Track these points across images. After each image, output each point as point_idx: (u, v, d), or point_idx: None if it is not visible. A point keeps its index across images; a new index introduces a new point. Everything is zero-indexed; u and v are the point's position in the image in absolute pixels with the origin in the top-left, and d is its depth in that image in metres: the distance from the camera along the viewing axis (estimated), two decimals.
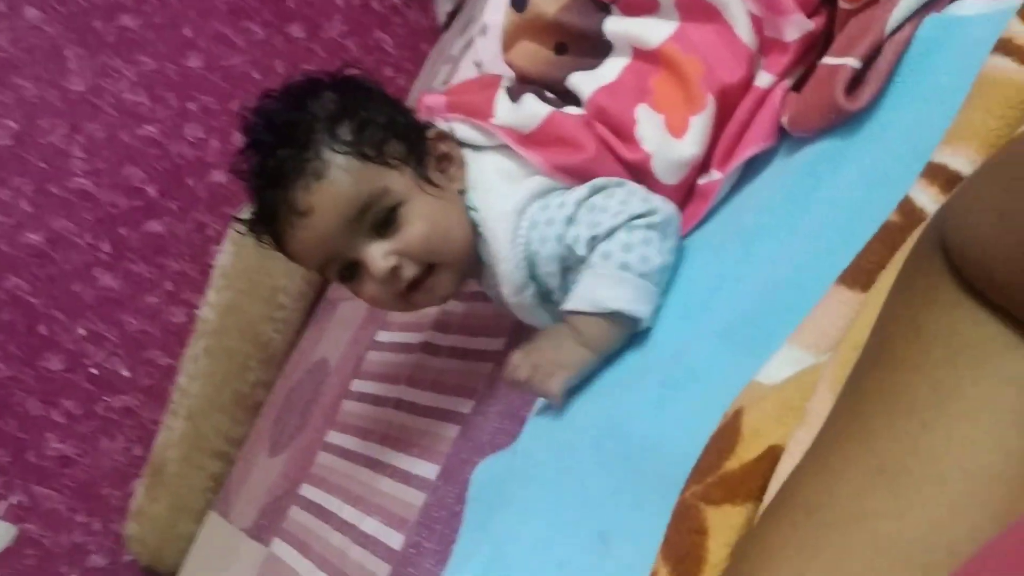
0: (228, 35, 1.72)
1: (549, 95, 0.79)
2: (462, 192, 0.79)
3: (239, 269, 1.59)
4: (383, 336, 1.23)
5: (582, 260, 0.72)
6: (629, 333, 0.70)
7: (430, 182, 0.76)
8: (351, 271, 0.78)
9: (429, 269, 0.77)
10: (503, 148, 0.78)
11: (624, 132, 0.73)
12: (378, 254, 0.74)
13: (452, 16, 1.85)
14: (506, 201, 0.75)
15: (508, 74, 0.85)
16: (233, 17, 1.73)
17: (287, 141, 0.74)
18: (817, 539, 0.32)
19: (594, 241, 0.70)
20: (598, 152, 0.74)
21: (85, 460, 1.65)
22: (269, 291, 1.59)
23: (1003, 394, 0.30)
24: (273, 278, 1.59)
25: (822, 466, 0.34)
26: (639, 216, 0.69)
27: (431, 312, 1.09)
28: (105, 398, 1.66)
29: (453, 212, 0.77)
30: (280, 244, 0.79)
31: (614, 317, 0.69)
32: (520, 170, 0.77)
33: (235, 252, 1.60)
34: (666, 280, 0.71)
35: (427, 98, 0.85)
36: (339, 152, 0.74)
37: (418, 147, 0.77)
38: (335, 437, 1.18)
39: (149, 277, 1.68)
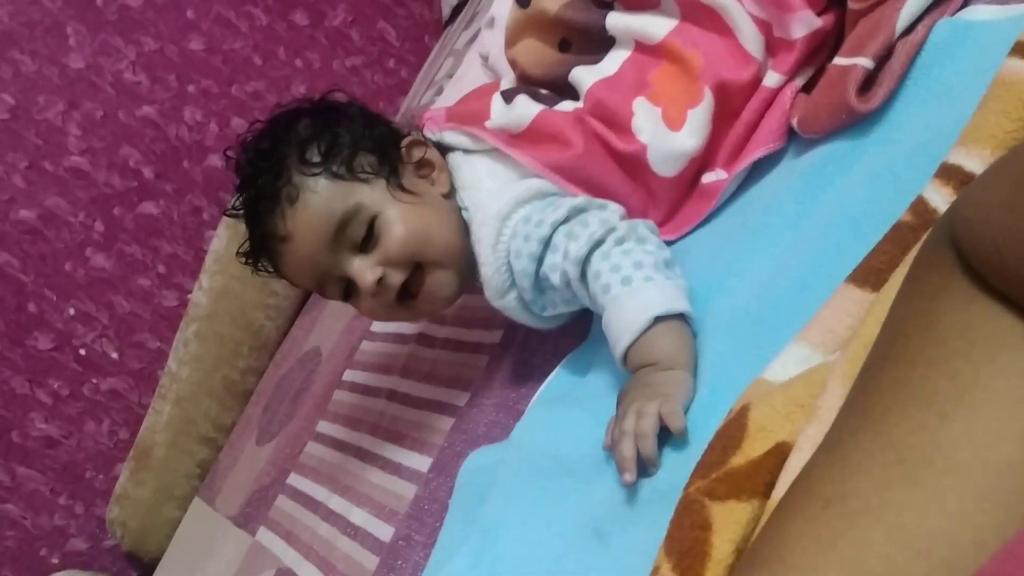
0: (231, 19, 1.71)
1: (544, 93, 0.79)
2: (447, 195, 0.79)
3: (233, 254, 1.57)
4: (377, 326, 1.22)
5: (553, 288, 0.71)
6: (689, 331, 0.64)
7: (404, 189, 0.77)
8: (349, 289, 0.79)
9: (419, 272, 0.77)
10: (495, 151, 0.79)
11: (620, 124, 0.73)
12: (363, 268, 0.75)
13: (456, 10, 1.85)
14: (492, 204, 0.75)
15: (511, 74, 0.85)
16: (236, 1, 1.72)
17: (263, 171, 0.77)
18: (834, 531, 0.31)
19: (565, 276, 0.69)
20: (587, 148, 0.74)
21: (70, 442, 1.64)
22: (262, 278, 1.58)
23: (1021, 386, 0.30)
24: None
25: (837, 459, 0.33)
26: (600, 241, 0.67)
27: None
28: (93, 380, 1.65)
29: (432, 214, 0.77)
30: (276, 270, 0.82)
31: (662, 325, 0.63)
32: (510, 172, 0.78)
33: (229, 237, 1.59)
34: (678, 271, 0.67)
35: (428, 113, 0.87)
36: (308, 175, 0.75)
37: (391, 157, 0.78)
38: (325, 427, 1.17)
39: (142, 259, 1.67)
